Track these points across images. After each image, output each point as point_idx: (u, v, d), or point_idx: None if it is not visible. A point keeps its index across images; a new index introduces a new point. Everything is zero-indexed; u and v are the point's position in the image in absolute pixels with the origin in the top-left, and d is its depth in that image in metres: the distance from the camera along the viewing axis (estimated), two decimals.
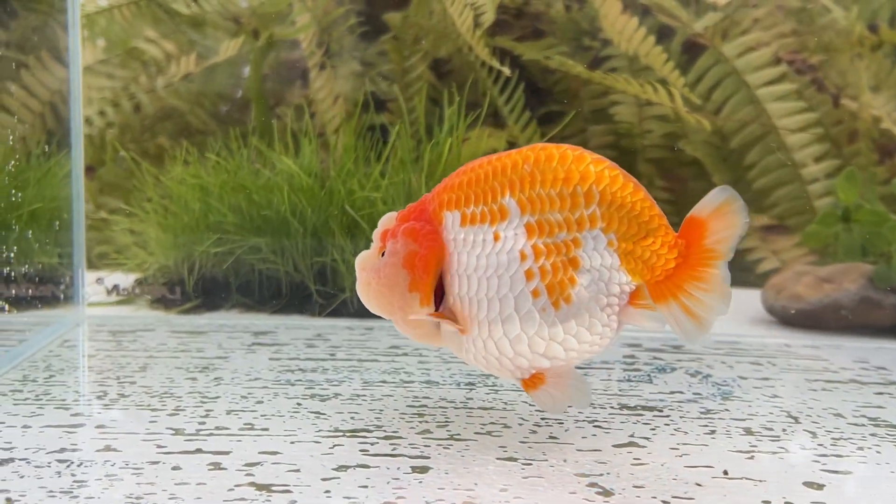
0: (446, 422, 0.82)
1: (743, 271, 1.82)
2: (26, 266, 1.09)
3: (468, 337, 0.76)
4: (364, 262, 0.79)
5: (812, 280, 1.28)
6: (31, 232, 1.11)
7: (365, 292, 0.79)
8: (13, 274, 1.06)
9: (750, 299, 1.44)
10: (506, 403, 0.88)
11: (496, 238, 0.73)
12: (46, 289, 1.09)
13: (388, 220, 0.80)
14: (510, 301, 0.73)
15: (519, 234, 0.73)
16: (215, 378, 0.93)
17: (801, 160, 1.78)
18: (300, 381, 0.94)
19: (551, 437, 0.79)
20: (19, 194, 1.09)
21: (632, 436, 0.80)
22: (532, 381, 0.77)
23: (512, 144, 1.59)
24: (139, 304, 1.28)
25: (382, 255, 0.78)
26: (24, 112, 1.54)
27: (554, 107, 2.02)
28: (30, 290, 1.08)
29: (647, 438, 0.79)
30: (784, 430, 0.83)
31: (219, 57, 1.86)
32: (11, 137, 1.26)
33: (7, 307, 1.03)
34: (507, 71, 1.58)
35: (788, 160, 1.80)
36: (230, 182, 1.28)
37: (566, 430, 0.81)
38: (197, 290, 1.27)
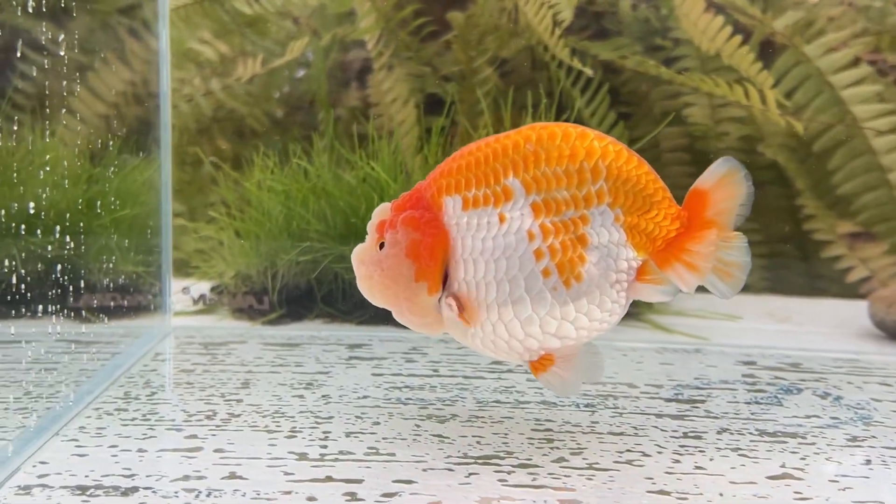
0: (579, 448, 0.77)
1: (833, 281, 1.74)
2: (112, 275, 1.05)
3: (478, 321, 0.74)
4: (362, 255, 0.78)
5: None
6: (117, 238, 1.06)
7: (367, 286, 0.78)
8: (101, 283, 1.02)
9: (849, 311, 1.37)
10: (636, 428, 0.82)
11: (502, 220, 0.72)
12: (133, 298, 1.05)
13: (382, 211, 0.78)
14: (520, 282, 0.71)
15: (525, 215, 0.71)
16: (323, 396, 0.88)
17: (888, 165, 1.71)
18: (411, 399, 0.89)
19: (698, 468, 0.73)
20: (117, 201, 1.05)
21: (783, 466, 0.74)
22: (541, 363, 0.75)
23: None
24: (221, 313, 1.24)
25: (381, 246, 0.77)
26: (99, 113, 1.50)
27: (622, 108, 1.96)
28: (117, 300, 1.03)
29: (800, 469, 0.73)
30: None
31: (283, 58, 1.82)
32: (91, 141, 1.22)
33: (94, 317, 0.99)
34: (589, 72, 1.52)
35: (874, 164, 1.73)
36: (314, 187, 1.23)
37: (711, 460, 0.75)
38: (280, 299, 1.22)
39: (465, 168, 0.74)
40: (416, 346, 1.10)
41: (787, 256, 1.83)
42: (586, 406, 0.88)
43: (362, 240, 1.22)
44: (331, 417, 0.82)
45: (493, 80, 1.80)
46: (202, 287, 1.23)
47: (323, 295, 1.23)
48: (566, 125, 0.73)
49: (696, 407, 0.89)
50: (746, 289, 1.79)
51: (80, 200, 1.04)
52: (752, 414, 0.87)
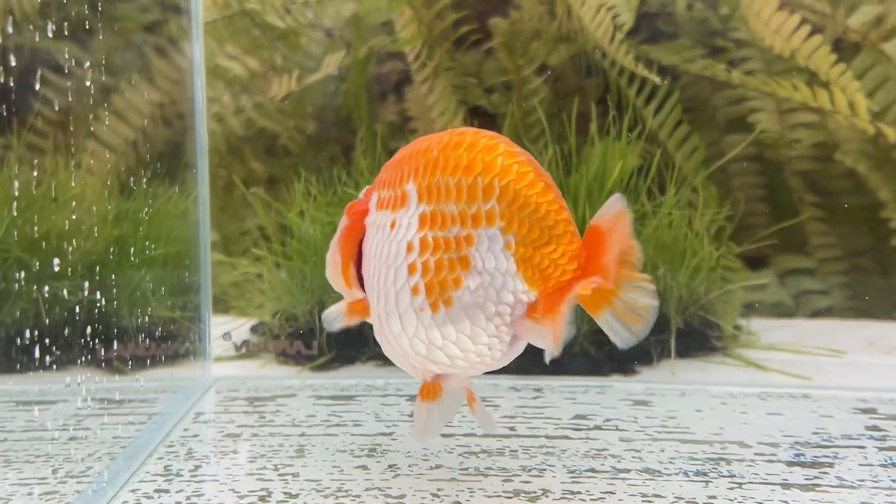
0: None
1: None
2: (146, 321, 0.94)
3: (375, 328, 0.70)
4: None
5: None
6: (151, 279, 0.95)
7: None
8: (128, 329, 0.91)
9: None
10: (760, 503, 0.69)
11: (392, 225, 0.66)
12: (170, 347, 0.94)
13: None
14: (392, 295, 0.66)
15: (412, 224, 0.65)
16: (389, 466, 0.76)
17: None
18: (490, 469, 0.76)
19: None
20: (151, 243, 0.94)
21: None
22: (429, 390, 0.69)
23: (668, 159, 1.40)
24: (265, 357, 1.12)
25: None
26: (128, 139, 1.40)
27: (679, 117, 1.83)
28: (149, 349, 0.92)
29: None
30: None
31: (319, 74, 1.71)
32: (118, 171, 1.12)
33: (126, 371, 0.88)
34: (656, 79, 1.39)
35: None
36: None
37: None
38: (329, 341, 1.11)
39: (390, 165, 0.69)
40: (486, 397, 0.98)
41: (871, 274, 1.69)
42: (696, 474, 0.76)
43: None
44: (403, 496, 0.70)
45: (542, 90, 1.68)
46: (243, 331, 1.11)
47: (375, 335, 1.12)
48: (483, 133, 0.65)
49: (825, 472, 0.76)
50: (829, 312, 1.65)
51: (109, 239, 0.93)
52: (893, 482, 0.74)
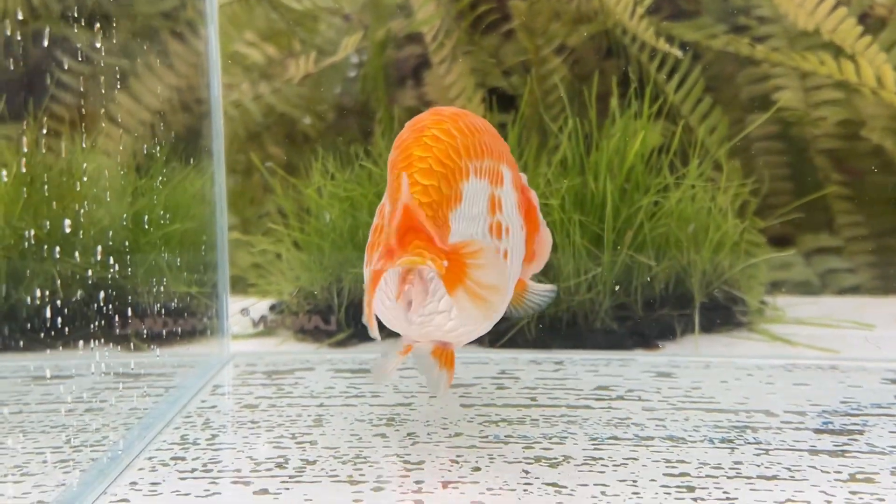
0: (728, 499, 0.62)
1: None
2: (163, 297, 0.94)
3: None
4: None
5: None
6: (168, 255, 0.95)
7: None
8: (150, 307, 0.91)
9: None
10: (790, 470, 0.68)
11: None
12: (188, 322, 0.93)
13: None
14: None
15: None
16: (408, 434, 0.75)
17: None
18: (511, 437, 0.75)
19: None
20: (167, 215, 0.94)
21: None
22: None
23: (690, 135, 1.38)
24: (283, 335, 1.12)
25: None
26: (144, 121, 1.40)
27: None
28: (168, 325, 0.92)
29: None
30: None
31: (336, 56, 1.70)
32: (136, 151, 1.12)
33: (143, 346, 0.87)
34: (678, 53, 1.37)
35: None
36: (381, 192, 1.11)
37: None
38: (348, 317, 1.10)
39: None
40: (506, 370, 0.97)
41: (891, 252, 1.65)
42: (722, 441, 0.74)
43: None
44: (422, 462, 0.69)
45: (561, 69, 1.66)
46: (262, 307, 1.10)
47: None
48: (442, 112, 0.68)
49: (855, 440, 0.74)
50: (856, 290, 1.62)
51: (125, 215, 0.93)
52: None
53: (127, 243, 0.90)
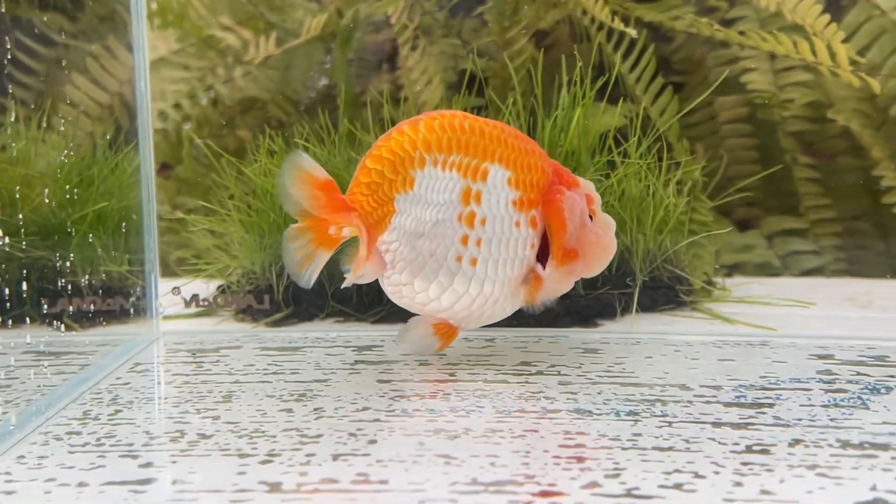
0: (616, 470, 0.62)
1: (894, 258, 1.55)
2: (90, 276, 0.94)
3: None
4: None
5: None
6: (94, 236, 0.95)
7: None
8: (74, 285, 0.91)
9: None
10: (688, 441, 0.67)
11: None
12: (114, 302, 0.93)
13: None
14: None
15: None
16: (315, 409, 0.76)
17: None
18: (419, 410, 0.75)
19: (765, 492, 0.58)
20: (75, 191, 0.94)
21: (874, 489, 0.58)
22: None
23: (647, 119, 1.36)
24: (223, 315, 1.12)
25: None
26: (90, 104, 1.41)
27: (674, 77, 1.79)
28: (94, 304, 0.92)
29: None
30: None
31: (300, 38, 1.70)
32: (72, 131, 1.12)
33: (65, 326, 0.88)
34: (632, 32, 1.36)
35: None
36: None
37: (781, 482, 0.60)
38: (287, 297, 1.10)
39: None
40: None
41: (865, 235, 1.64)
42: (628, 414, 0.74)
43: None
44: (319, 436, 0.69)
45: (527, 51, 1.65)
46: (199, 287, 1.11)
47: (335, 291, 1.11)
48: (431, 113, 0.82)
49: (763, 412, 0.74)
50: (819, 272, 1.61)
51: (52, 194, 0.94)
52: (831, 420, 0.72)
53: (54, 222, 0.90)
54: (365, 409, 0.76)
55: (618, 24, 1.38)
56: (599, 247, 0.86)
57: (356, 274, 0.81)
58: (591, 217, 0.86)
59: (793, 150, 1.70)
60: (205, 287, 1.14)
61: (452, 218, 0.82)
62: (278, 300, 1.09)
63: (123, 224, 0.99)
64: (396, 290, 0.85)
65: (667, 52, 1.84)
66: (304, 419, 0.73)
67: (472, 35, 1.82)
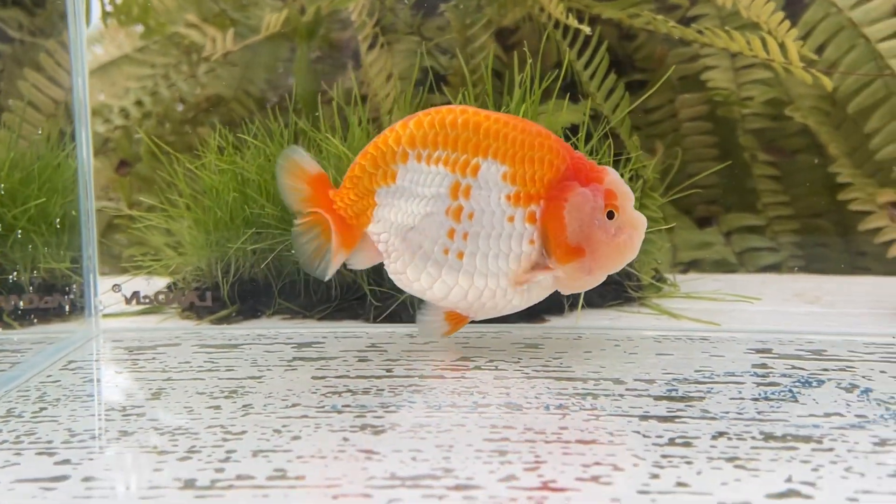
0: (536, 462, 0.62)
1: (864, 256, 1.56)
2: (30, 273, 0.93)
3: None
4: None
5: None
6: (35, 233, 0.94)
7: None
8: (14, 283, 0.90)
9: (890, 288, 1.19)
10: (612, 434, 0.68)
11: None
12: (52, 299, 0.92)
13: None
14: None
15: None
16: (244, 406, 0.75)
17: None
18: (349, 406, 0.75)
19: (680, 484, 0.58)
20: (34, 194, 0.93)
21: (789, 480, 0.59)
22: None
23: (595, 117, 1.36)
24: (168, 313, 1.11)
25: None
26: (44, 100, 1.39)
27: (637, 76, 1.80)
28: (32, 302, 0.91)
29: (811, 484, 0.58)
30: None
31: (260, 35, 1.69)
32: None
33: (2, 325, 0.87)
34: (586, 29, 1.36)
35: None
36: (269, 168, 1.10)
37: (698, 473, 0.60)
38: (233, 294, 1.09)
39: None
40: (376, 343, 0.96)
41: (822, 231, 1.65)
42: (558, 408, 0.74)
43: None
44: (243, 433, 0.69)
45: (489, 47, 1.64)
46: (140, 284, 1.10)
47: (282, 288, 1.10)
48: (431, 109, 0.86)
49: (692, 406, 0.74)
50: (776, 268, 1.62)
51: None
52: (758, 413, 0.72)
53: None
54: (294, 405, 0.75)
55: (572, 22, 1.37)
56: (612, 245, 0.84)
57: (334, 262, 0.88)
58: (613, 213, 0.84)
59: (752, 147, 1.71)
60: (156, 284, 1.14)
61: (440, 211, 0.84)
62: (224, 297, 1.09)
63: (57, 221, 0.98)
64: (397, 279, 0.89)
65: (630, 50, 1.85)
66: (230, 416, 0.72)
67: (435, 33, 1.82)
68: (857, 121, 1.61)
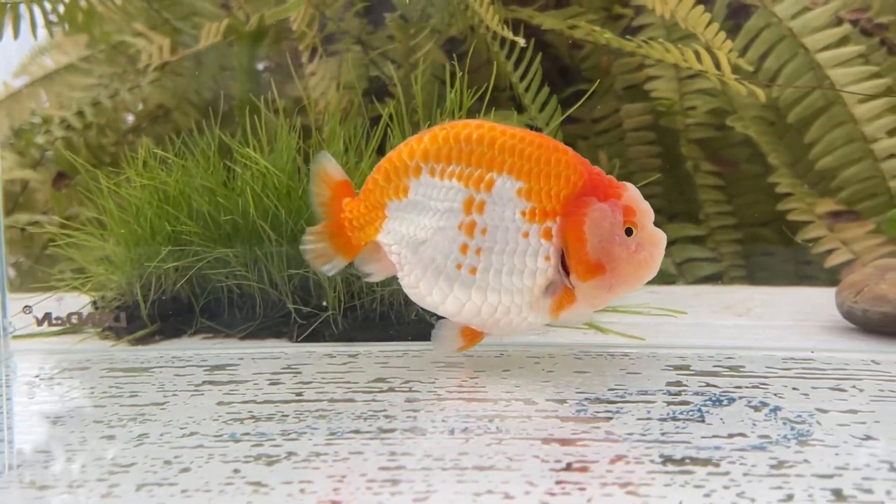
0: (428, 492, 0.61)
1: (809, 265, 1.57)
2: None
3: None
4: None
5: None
6: None
7: None
8: None
9: (822, 300, 1.19)
10: (511, 459, 0.66)
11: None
12: None
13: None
14: None
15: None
16: (140, 435, 0.73)
17: (871, 134, 1.53)
18: (248, 435, 0.73)
19: None
20: None
21: None
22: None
23: (530, 127, 1.35)
24: (87, 333, 1.08)
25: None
26: None
27: (583, 85, 1.79)
28: None
29: None
30: (888, 492, 0.60)
31: (200, 45, 1.66)
32: None
33: None
34: (521, 41, 1.35)
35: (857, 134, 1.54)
36: (192, 183, 1.08)
37: (588, 500, 0.59)
38: (153, 313, 1.07)
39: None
40: (293, 364, 0.94)
41: (762, 241, 1.65)
42: (462, 431, 0.72)
43: (246, 240, 1.07)
44: (132, 465, 0.66)
45: (432, 56, 1.63)
46: (50, 304, 1.07)
47: (204, 306, 1.08)
48: (446, 124, 0.86)
49: (597, 427, 0.73)
50: (713, 279, 1.62)
51: None
52: (662, 435, 0.71)
53: None
54: (192, 434, 0.73)
55: (508, 34, 1.37)
56: (632, 262, 0.82)
57: (330, 265, 0.91)
58: (631, 230, 0.83)
59: (695, 157, 1.71)
60: (79, 303, 1.11)
61: (453, 226, 0.84)
62: (143, 317, 1.06)
63: None
64: (410, 292, 0.89)
65: (577, 60, 1.85)
66: (122, 447, 0.70)
67: (384, 42, 1.80)
68: (802, 130, 1.62)
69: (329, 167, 0.90)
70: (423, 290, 0.88)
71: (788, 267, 1.67)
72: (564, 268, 0.83)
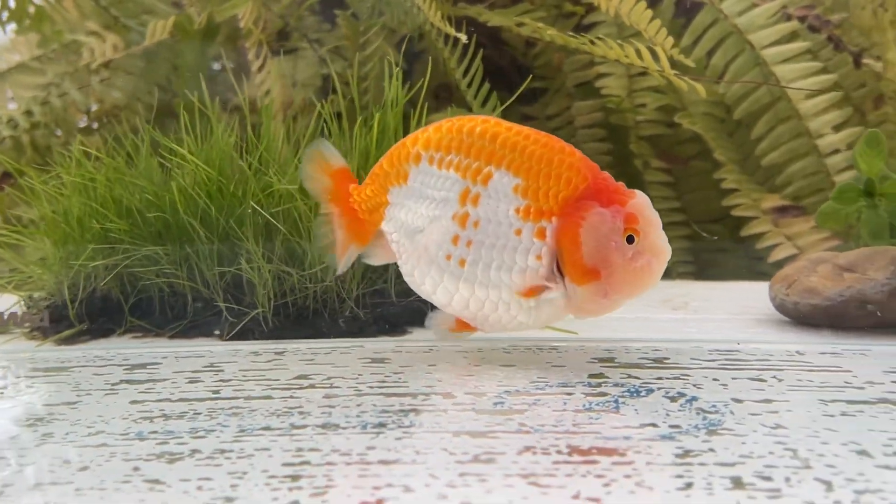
0: (328, 487, 0.60)
1: (752, 260, 1.57)
2: None
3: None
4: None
5: (830, 269, 1.04)
6: None
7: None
8: None
9: (759, 294, 1.19)
10: (417, 453, 0.65)
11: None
12: None
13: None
14: None
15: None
16: (44, 434, 0.71)
17: (816, 129, 1.54)
18: (155, 433, 0.71)
19: None
20: None
21: (577, 496, 0.57)
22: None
23: None
24: (14, 333, 1.06)
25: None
26: None
27: (537, 83, 1.80)
28: None
29: (596, 500, 0.57)
30: (787, 479, 0.60)
31: (146, 41, 1.64)
32: None
33: None
34: (463, 37, 1.35)
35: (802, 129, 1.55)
36: (120, 181, 1.06)
37: (489, 492, 0.58)
38: (81, 313, 1.05)
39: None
40: (215, 363, 0.93)
41: (717, 237, 1.66)
42: (375, 426, 0.71)
43: (176, 238, 1.05)
44: (30, 465, 0.65)
45: (380, 52, 1.62)
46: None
47: (135, 305, 1.07)
48: (457, 117, 0.86)
49: (511, 419, 0.72)
50: (670, 275, 1.61)
51: None
52: (574, 426, 0.70)
53: None
54: (99, 433, 0.72)
55: (450, 30, 1.36)
56: (628, 270, 0.80)
57: (345, 255, 0.91)
58: (633, 237, 0.80)
59: (645, 154, 1.71)
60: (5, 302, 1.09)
61: (447, 216, 0.84)
62: (71, 316, 1.05)
63: None
64: (408, 280, 0.90)
65: (529, 58, 1.85)
66: (24, 447, 0.69)
67: (330, 38, 1.80)
68: (750, 127, 1.62)
69: (328, 154, 0.90)
70: (417, 279, 0.88)
71: (741, 262, 1.68)
72: (561, 270, 0.82)
